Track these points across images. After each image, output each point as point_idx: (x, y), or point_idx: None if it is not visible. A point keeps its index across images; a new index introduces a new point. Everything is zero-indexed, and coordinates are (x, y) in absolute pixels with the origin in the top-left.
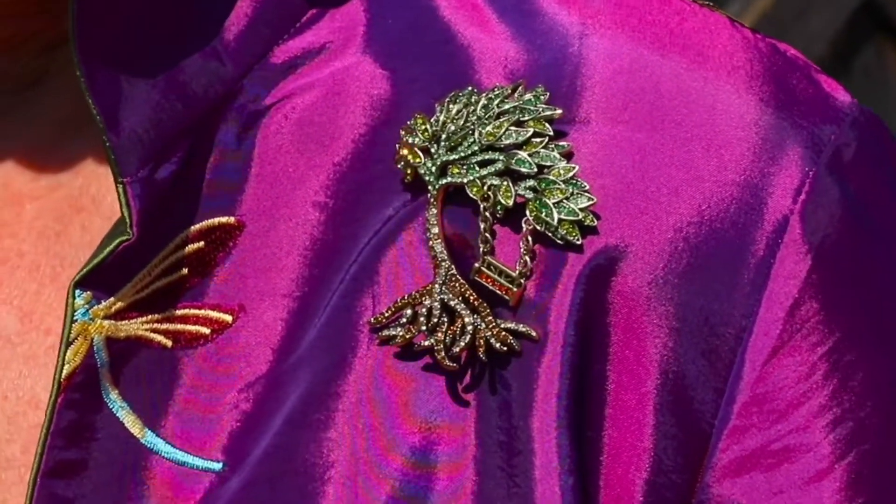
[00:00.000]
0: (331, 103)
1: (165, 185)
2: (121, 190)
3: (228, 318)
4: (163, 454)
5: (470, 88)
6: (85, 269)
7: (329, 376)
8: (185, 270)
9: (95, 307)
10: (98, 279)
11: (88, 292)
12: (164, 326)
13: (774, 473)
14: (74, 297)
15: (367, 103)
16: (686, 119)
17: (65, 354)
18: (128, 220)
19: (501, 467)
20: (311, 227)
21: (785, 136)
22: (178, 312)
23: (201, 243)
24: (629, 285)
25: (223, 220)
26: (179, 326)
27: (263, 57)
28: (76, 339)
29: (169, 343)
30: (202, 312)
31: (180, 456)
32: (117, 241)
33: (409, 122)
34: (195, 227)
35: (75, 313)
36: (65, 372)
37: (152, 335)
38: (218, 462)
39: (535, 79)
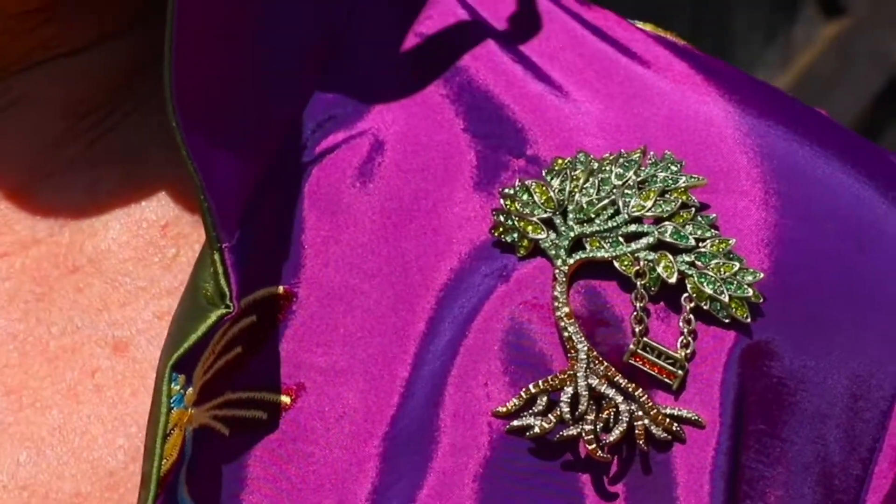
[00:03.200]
0: (394, 158)
1: (249, 252)
2: (217, 258)
3: (286, 399)
4: None
5: (583, 154)
6: (182, 348)
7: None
8: (240, 348)
9: (188, 392)
10: (184, 361)
11: (183, 375)
12: (223, 413)
13: None
14: (170, 382)
15: (428, 158)
16: (827, 209)
17: (162, 449)
18: (227, 292)
19: None
20: (377, 296)
21: (891, 215)
22: (233, 396)
23: (253, 317)
24: (785, 368)
25: (272, 290)
26: (235, 412)
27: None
28: (172, 430)
29: (226, 431)
30: (257, 394)
31: None
32: (217, 314)
33: (509, 189)
34: (246, 300)
35: (171, 400)
36: (163, 469)
37: (213, 423)
38: None
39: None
